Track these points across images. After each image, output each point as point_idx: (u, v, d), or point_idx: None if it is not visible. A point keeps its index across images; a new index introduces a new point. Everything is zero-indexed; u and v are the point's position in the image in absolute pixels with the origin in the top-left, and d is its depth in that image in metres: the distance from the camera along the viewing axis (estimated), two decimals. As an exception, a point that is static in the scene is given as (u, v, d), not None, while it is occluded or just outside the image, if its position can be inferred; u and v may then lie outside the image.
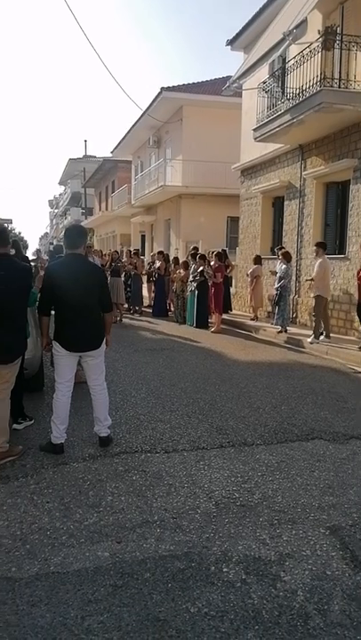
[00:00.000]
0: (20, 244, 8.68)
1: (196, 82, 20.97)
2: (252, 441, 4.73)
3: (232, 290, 15.04)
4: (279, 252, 11.03)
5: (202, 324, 12.05)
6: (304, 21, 10.24)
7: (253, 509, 3.46)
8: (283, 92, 11.77)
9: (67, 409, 4.39)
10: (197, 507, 3.49)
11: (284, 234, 13.33)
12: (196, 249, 14.75)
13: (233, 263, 14.83)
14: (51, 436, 4.39)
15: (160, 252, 15.81)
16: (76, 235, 4.34)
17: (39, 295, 4.37)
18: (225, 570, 2.79)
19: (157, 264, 14.65)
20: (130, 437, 4.79)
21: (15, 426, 4.95)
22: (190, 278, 12.61)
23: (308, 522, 3.30)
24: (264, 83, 12.33)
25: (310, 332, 10.20)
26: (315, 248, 10.16)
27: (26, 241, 63.55)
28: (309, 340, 9.68)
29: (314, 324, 9.99)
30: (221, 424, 5.18)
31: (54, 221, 70.38)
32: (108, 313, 4.54)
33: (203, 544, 3.04)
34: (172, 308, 14.03)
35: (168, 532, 3.18)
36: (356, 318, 9.83)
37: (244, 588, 2.64)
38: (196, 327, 12.01)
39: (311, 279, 9.89)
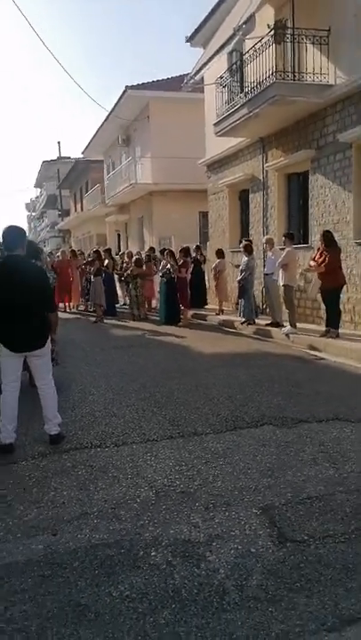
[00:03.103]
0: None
1: (161, 79, 20.99)
2: (202, 430, 4.81)
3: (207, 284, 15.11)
4: (241, 245, 11.15)
5: (171, 319, 12.11)
6: (252, 16, 10.32)
7: (192, 495, 3.54)
8: (241, 86, 11.87)
9: (14, 409, 4.43)
10: (138, 496, 3.56)
11: (250, 226, 13.46)
12: (152, 249, 15.07)
13: (207, 258, 14.94)
14: (0, 436, 4.44)
15: (107, 250, 16.01)
16: (13, 236, 4.38)
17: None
18: (153, 554, 2.86)
19: (105, 262, 14.69)
20: (82, 434, 4.84)
21: (-31, 429, 4.98)
22: (160, 274, 12.72)
23: (243, 503, 3.39)
24: (221, 77, 12.41)
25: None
26: (283, 239, 10.29)
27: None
28: (286, 329, 9.69)
29: (288, 313, 10.01)
30: (175, 416, 5.26)
31: (32, 224, 69.94)
32: (52, 313, 4.59)
33: (136, 531, 3.11)
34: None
35: (104, 522, 3.25)
36: (323, 306, 9.99)
37: (169, 569, 2.72)
38: (166, 323, 12.06)
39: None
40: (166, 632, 2.26)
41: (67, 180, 36.42)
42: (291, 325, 9.75)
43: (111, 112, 21.16)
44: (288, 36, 10.03)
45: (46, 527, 3.22)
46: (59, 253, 18.08)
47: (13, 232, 4.40)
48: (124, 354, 8.65)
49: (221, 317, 12.48)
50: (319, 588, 2.51)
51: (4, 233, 4.42)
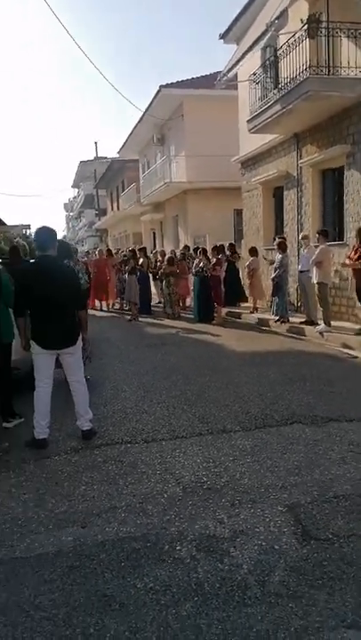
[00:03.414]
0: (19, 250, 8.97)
1: (195, 77, 20.99)
2: (230, 428, 4.85)
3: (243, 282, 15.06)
4: (275, 242, 11.09)
5: (205, 317, 12.14)
6: (285, 11, 10.21)
7: (218, 491, 3.59)
8: (276, 82, 11.77)
9: (47, 405, 4.57)
10: (165, 491, 3.63)
11: (284, 223, 13.34)
12: (187, 247, 15.45)
13: (242, 255, 14.92)
14: (34, 431, 4.58)
15: (141, 249, 16.11)
16: (45, 237, 4.51)
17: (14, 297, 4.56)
18: (178, 548, 2.93)
19: (140, 260, 14.77)
20: (113, 430, 4.95)
21: (5, 424, 5.17)
22: (193, 272, 12.79)
23: (269, 501, 3.41)
24: (255, 74, 12.33)
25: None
26: (317, 236, 10.21)
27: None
28: (320, 328, 9.62)
29: (322, 311, 9.93)
30: (204, 413, 5.31)
31: (70, 224, 71.08)
32: (82, 311, 4.70)
33: (162, 525, 3.18)
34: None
35: (132, 515, 3.33)
36: (358, 303, 9.84)
37: (193, 563, 2.78)
38: (199, 321, 12.10)
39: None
40: (188, 624, 2.32)
41: (103, 179, 36.85)
42: (325, 323, 9.64)
43: (146, 112, 21.29)
44: (322, 30, 9.90)
45: (76, 520, 3.32)
46: (96, 252, 18.38)
47: (45, 233, 4.53)
48: (157, 352, 8.73)
49: (256, 315, 12.42)
50: (341, 586, 2.52)
51: (36, 234, 4.56)
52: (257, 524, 3.12)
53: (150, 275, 15.41)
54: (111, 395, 6.15)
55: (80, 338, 4.64)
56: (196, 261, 12.84)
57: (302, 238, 10.73)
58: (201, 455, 4.23)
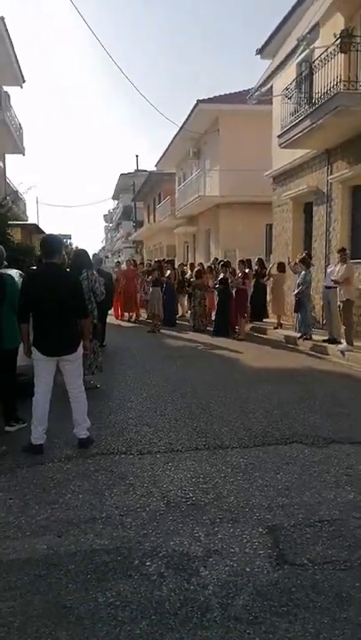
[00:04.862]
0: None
1: (231, 92, 21.06)
2: (228, 444, 4.76)
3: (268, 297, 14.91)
4: (297, 259, 10.96)
5: (222, 331, 12.03)
6: (317, 25, 10.15)
7: (202, 508, 3.51)
8: (310, 97, 11.69)
9: (45, 411, 4.58)
10: (148, 505, 3.58)
11: (313, 239, 13.17)
12: (201, 265, 15.40)
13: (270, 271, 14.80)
14: (31, 437, 4.60)
15: (169, 261, 16.15)
16: (50, 245, 4.56)
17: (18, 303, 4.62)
18: (148, 564, 2.87)
19: (167, 272, 14.78)
20: (111, 440, 4.92)
21: (7, 428, 5.22)
22: (212, 285, 12.78)
23: (251, 521, 3.32)
24: (287, 89, 12.29)
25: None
26: (338, 254, 10.03)
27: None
28: (341, 347, 9.40)
29: (345, 329, 9.69)
30: (205, 427, 5.23)
31: (109, 235, 72.07)
32: (84, 319, 4.72)
33: (137, 539, 3.13)
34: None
35: (110, 528, 3.29)
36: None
37: (159, 581, 2.71)
38: (215, 335, 12.01)
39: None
40: (139, 643, 2.26)
41: (141, 191, 37.32)
42: (347, 342, 9.41)
43: (183, 126, 21.47)
44: (356, 44, 9.78)
45: (54, 528, 3.30)
46: (124, 263, 18.61)
47: (51, 242, 4.59)
48: (173, 364, 8.70)
49: (282, 332, 12.25)
50: (305, 615, 2.41)
51: (42, 242, 4.62)
52: (233, 545, 3.03)
53: (175, 287, 15.46)
54: (117, 404, 6.14)
55: (81, 346, 4.66)
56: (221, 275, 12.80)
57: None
58: (192, 470, 4.16)
